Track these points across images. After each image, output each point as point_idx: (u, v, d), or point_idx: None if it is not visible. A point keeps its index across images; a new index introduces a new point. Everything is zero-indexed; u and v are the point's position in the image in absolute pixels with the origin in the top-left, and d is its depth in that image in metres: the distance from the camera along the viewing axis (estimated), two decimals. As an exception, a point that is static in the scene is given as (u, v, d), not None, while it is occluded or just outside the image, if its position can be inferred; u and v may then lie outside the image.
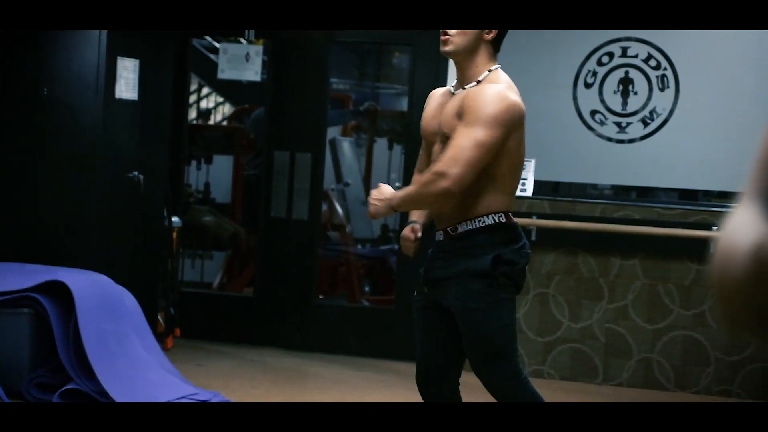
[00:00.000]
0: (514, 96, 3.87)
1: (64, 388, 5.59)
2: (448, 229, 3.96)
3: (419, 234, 4.10)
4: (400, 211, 4.00)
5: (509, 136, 3.84)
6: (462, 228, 3.93)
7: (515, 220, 4.01)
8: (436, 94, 4.19)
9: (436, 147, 4.03)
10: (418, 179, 3.93)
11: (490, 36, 3.95)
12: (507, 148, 3.86)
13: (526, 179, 6.98)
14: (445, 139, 3.93)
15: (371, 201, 3.98)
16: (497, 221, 3.92)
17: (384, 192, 3.96)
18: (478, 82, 3.93)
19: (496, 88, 3.86)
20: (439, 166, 3.80)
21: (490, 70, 3.95)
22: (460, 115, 3.85)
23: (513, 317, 4.01)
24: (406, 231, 4.10)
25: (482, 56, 3.96)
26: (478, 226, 3.91)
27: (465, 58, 3.97)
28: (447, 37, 3.94)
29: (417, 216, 4.16)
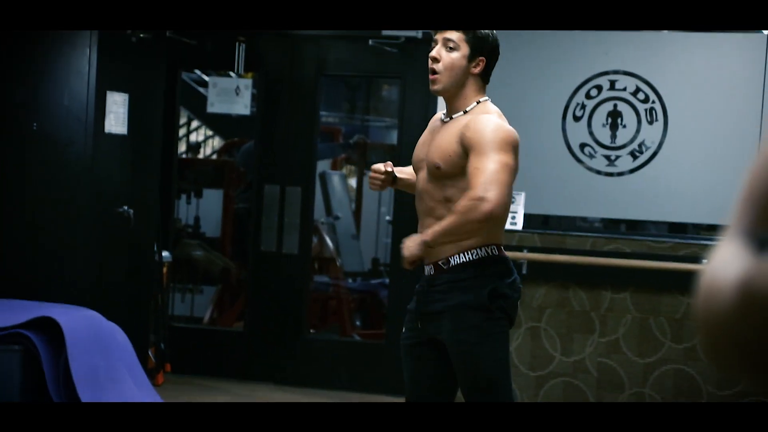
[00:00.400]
0: (507, 125, 3.94)
1: (54, 425, 5.55)
2: (440, 262, 3.96)
3: (390, 168, 4.09)
4: (435, 246, 3.94)
5: None
6: (454, 261, 3.93)
7: (506, 253, 4.03)
8: (435, 119, 4.20)
9: (421, 174, 4.04)
10: (456, 209, 3.86)
11: (477, 69, 3.99)
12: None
13: (516, 212, 6.97)
14: (435, 169, 3.94)
15: (403, 248, 3.89)
16: (490, 254, 3.93)
17: (413, 238, 3.91)
18: (465, 111, 3.96)
19: (492, 117, 3.93)
20: (474, 192, 3.76)
21: (478, 102, 3.98)
22: (464, 146, 3.87)
23: (507, 351, 4.01)
24: (377, 165, 4.12)
25: (470, 89, 4.01)
26: (471, 258, 3.92)
27: (454, 93, 4.01)
28: (435, 76, 3.98)
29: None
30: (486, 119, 3.90)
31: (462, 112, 3.98)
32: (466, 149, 3.86)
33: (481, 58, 3.98)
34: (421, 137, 4.15)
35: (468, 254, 3.91)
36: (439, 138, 4.00)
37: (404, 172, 4.26)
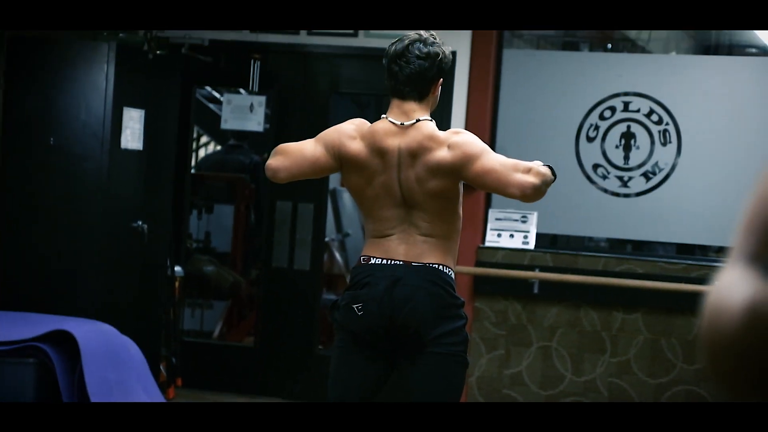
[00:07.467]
0: (347, 125, 4.04)
1: (68, 438, 5.57)
2: None
3: None
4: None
5: (342, 170, 3.96)
6: None
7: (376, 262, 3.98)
8: None
9: None
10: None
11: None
12: (350, 184, 3.98)
13: (528, 231, 7.00)
14: None
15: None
16: (358, 263, 3.96)
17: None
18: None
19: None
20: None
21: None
22: None
23: (337, 364, 4.04)
24: None
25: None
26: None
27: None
28: None
29: None
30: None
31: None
32: None
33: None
34: None
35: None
36: None
37: None
